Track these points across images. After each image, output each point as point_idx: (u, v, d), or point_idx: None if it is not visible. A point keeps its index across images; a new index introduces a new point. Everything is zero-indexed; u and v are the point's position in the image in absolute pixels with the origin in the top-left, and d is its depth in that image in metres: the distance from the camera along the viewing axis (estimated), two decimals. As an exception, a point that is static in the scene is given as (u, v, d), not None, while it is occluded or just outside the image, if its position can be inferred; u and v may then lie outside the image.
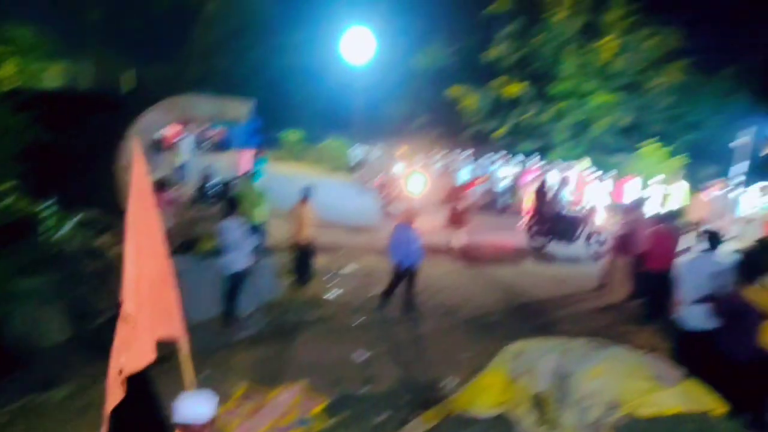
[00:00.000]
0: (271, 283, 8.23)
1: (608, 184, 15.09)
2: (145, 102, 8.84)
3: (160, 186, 8.85)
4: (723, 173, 17.01)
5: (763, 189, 13.34)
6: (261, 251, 8.51)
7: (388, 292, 7.79)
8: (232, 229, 6.80)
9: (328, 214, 12.77)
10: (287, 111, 29.86)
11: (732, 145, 15.99)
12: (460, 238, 11.49)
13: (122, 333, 2.81)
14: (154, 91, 18.54)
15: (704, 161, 20.35)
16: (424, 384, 5.69)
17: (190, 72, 29.19)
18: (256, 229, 8.73)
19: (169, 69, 28.28)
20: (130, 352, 2.82)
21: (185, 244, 8.05)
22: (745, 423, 4.62)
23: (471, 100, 23.43)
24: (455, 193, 12.05)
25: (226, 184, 13.15)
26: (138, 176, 3.10)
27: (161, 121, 9.01)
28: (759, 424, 4.67)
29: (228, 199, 7.65)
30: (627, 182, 15.52)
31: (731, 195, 13.14)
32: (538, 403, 3.92)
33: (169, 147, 16.99)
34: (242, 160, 14.09)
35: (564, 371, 3.82)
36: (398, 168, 17.61)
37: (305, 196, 8.62)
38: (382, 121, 28.33)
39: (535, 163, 17.39)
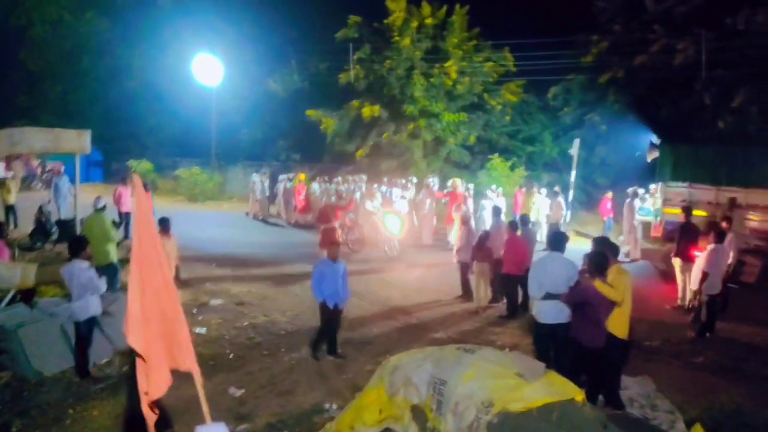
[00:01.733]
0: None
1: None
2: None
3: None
4: (558, 181, 19.00)
5: (641, 196, 14.75)
6: (115, 292, 7.79)
7: (320, 339, 7.11)
8: (79, 271, 6.13)
9: (192, 244, 12.17)
10: (134, 139, 27.93)
11: (571, 152, 17.88)
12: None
13: (141, 367, 2.90)
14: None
15: (541, 170, 22.68)
16: (304, 413, 5.55)
17: (18, 100, 26.21)
18: (108, 269, 8.00)
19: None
20: (151, 381, 2.90)
21: (26, 292, 7.11)
22: (602, 403, 5.16)
23: (329, 122, 23.73)
24: (328, 212, 11.87)
25: (66, 223, 11.84)
26: (141, 212, 3.08)
27: (-17, 156, 7.91)
28: (614, 402, 5.23)
29: (72, 240, 6.84)
30: (520, 193, 16.86)
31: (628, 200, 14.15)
32: (418, 413, 4.01)
33: None
34: (121, 197, 13.27)
35: (438, 379, 3.96)
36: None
37: (163, 228, 8.08)
38: (240, 146, 27.53)
39: (433, 184, 17.16)
